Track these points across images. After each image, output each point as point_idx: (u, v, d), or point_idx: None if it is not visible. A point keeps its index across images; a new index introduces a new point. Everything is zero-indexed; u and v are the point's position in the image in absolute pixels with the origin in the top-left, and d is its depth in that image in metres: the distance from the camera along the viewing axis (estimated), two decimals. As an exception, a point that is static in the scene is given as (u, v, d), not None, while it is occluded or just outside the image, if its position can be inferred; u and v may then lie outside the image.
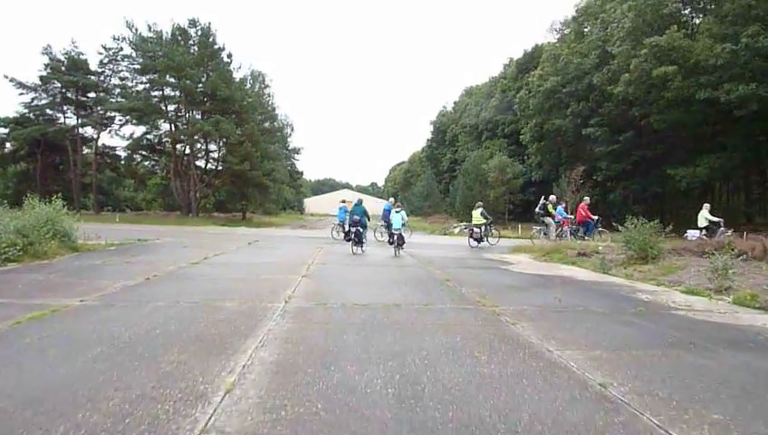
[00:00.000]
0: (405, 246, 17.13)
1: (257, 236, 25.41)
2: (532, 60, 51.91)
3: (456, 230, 34.60)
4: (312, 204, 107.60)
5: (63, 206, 16.56)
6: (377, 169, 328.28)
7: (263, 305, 7.33)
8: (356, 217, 17.09)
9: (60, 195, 17.59)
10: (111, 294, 7.85)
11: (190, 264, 12.64)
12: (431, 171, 69.71)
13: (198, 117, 42.09)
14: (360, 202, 18.58)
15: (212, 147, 45.61)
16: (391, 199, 25.81)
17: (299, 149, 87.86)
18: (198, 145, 44.37)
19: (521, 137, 44.89)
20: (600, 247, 16.86)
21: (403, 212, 17.77)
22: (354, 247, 16.55)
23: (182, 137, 42.17)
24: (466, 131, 67.83)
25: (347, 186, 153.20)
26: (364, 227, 17.26)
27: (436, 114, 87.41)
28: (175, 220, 38.86)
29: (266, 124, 47.98)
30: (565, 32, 43.55)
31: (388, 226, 18.13)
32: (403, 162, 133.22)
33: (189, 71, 38.53)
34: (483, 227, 20.89)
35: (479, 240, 20.63)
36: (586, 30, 40.56)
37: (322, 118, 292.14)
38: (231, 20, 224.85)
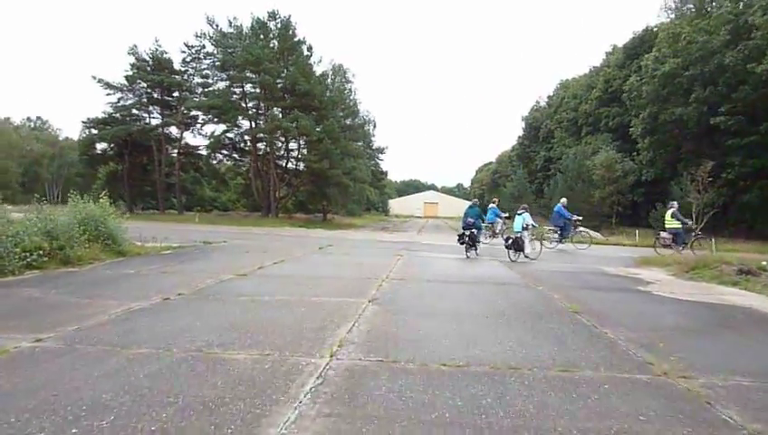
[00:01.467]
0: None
1: (332, 239, 22.99)
2: (642, 44, 46.20)
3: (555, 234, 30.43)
4: (396, 205, 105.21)
5: (137, 205, 14.45)
6: (463, 169, 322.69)
7: (292, 361, 4.73)
8: (470, 220, 16.50)
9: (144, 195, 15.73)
10: (90, 328, 5.78)
11: (237, 275, 10.38)
12: (523, 171, 64.77)
13: (278, 113, 40.38)
14: (474, 204, 18.40)
15: (292, 145, 43.96)
16: (495, 200, 22.81)
17: (383, 149, 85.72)
18: (278, 143, 42.81)
19: (631, 129, 39.29)
20: (765, 263, 12.76)
21: (526, 214, 15.88)
22: (468, 252, 15.85)
23: (261, 135, 40.70)
24: (563, 127, 62.49)
25: (432, 187, 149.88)
26: (479, 229, 17.05)
27: (529, 109, 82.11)
28: (253, 221, 37.38)
29: (348, 121, 45.66)
30: (684, 9, 37.63)
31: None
32: (490, 163, 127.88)
33: (268, 65, 36.86)
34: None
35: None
36: (712, 5, 34.78)
37: (408, 118, 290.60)
38: (317, 18, 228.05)
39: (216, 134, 43.83)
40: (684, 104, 32.66)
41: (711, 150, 31.68)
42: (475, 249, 16.03)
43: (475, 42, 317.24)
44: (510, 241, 15.05)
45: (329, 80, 44.84)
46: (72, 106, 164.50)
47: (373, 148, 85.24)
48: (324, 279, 10.19)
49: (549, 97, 77.77)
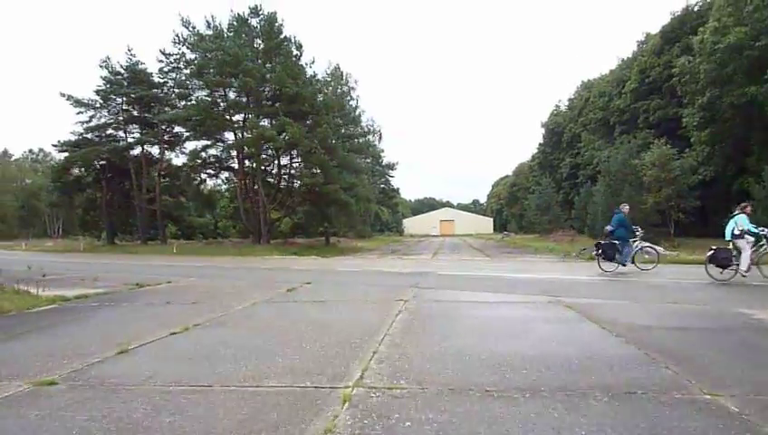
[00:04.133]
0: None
1: (320, 272, 17.12)
2: (682, 25, 40.02)
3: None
4: (411, 225, 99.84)
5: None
6: (478, 185, 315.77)
7: None
8: (608, 228, 15.01)
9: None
10: None
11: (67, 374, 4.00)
12: (549, 179, 58.36)
13: (265, 123, 34.62)
14: (620, 210, 15.56)
15: (285, 160, 38.22)
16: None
17: (393, 165, 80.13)
18: (267, 158, 37.11)
19: (685, 120, 32.67)
20: None
21: (742, 216, 11.96)
22: (602, 265, 14.56)
23: (246, 148, 34.84)
24: (590, 129, 56.17)
25: (447, 204, 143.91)
26: (622, 239, 14.71)
27: (548, 115, 75.85)
28: (239, 250, 31.59)
29: (347, 129, 39.64)
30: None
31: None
32: (507, 176, 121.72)
33: (248, 65, 31.16)
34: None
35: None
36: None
37: (420, 135, 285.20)
38: (323, 31, 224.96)
39: (196, 150, 38.12)
40: (757, 82, 26.13)
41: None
42: (615, 262, 14.37)
43: (484, 54, 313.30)
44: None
45: (323, 81, 38.85)
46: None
47: (383, 164, 79.90)
48: (207, 393, 4.10)
49: (570, 100, 71.67)
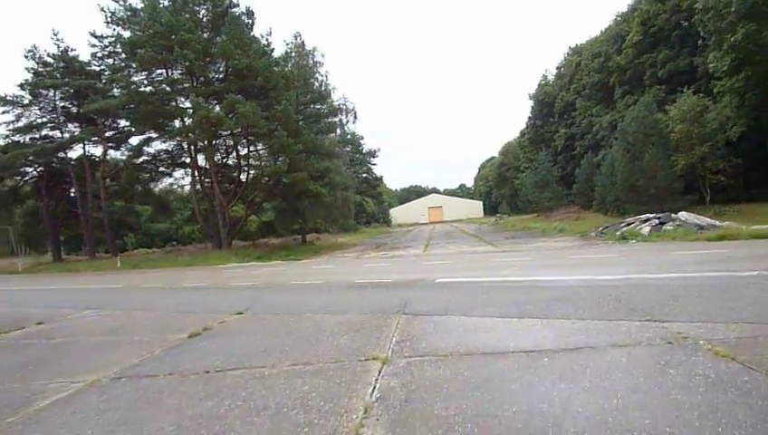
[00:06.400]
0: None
1: (267, 288, 12.19)
2: (689, -37, 35.03)
3: (645, 229, 19.13)
4: (399, 214, 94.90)
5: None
6: (464, 169, 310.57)
7: None
8: None
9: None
10: None
11: None
12: (545, 152, 53.19)
13: (214, 105, 29.12)
14: None
15: (246, 150, 32.67)
16: None
17: (375, 152, 75.00)
18: (221, 146, 31.62)
19: (712, 66, 27.14)
20: None
21: None
22: None
23: (191, 134, 29.21)
24: (586, 94, 51.19)
25: (434, 191, 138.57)
26: None
27: (536, 86, 70.59)
28: (191, 259, 26.39)
29: (314, 108, 33.99)
30: None
31: None
32: (494, 157, 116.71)
33: (185, 35, 25.73)
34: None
35: None
36: None
37: (401, 124, 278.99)
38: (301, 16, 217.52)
39: (138, 145, 32.52)
40: None
41: None
42: None
43: (463, 34, 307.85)
44: None
45: (286, 59, 33.07)
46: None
47: (363, 152, 74.59)
48: None
49: (558, 68, 66.46)
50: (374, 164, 75.78)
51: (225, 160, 32.61)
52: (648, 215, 21.78)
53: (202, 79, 29.64)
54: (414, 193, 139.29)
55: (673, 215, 20.48)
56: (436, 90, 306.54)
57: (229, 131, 29.61)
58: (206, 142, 29.70)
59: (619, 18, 47.28)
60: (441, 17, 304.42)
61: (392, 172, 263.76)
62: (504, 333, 5.52)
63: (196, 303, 10.51)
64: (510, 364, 4.35)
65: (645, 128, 27.46)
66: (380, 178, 79.61)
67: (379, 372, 4.40)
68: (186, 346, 6.17)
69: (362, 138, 73.82)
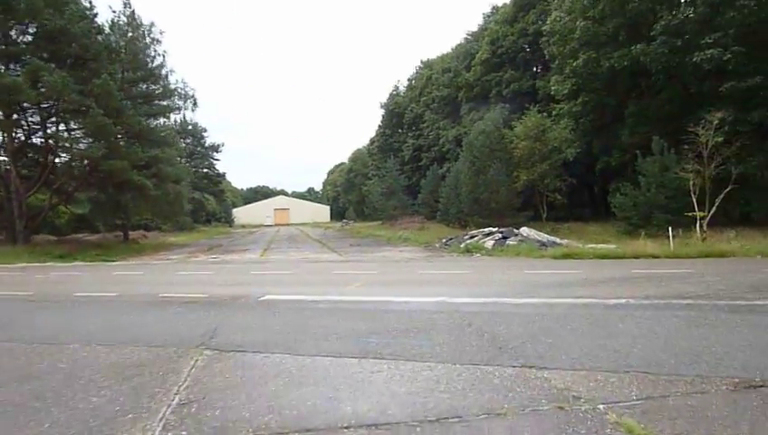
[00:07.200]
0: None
1: (41, 306, 9.18)
2: (538, -9, 36.90)
3: (489, 242, 18.81)
4: (243, 214, 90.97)
5: None
6: (314, 173, 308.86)
7: None
8: None
9: None
10: None
11: None
12: (393, 161, 53.29)
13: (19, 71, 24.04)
14: None
15: (60, 128, 27.60)
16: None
17: (218, 146, 70.31)
18: (23, 121, 26.29)
19: (554, 89, 28.16)
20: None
21: None
22: None
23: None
24: (434, 108, 52.38)
25: (282, 193, 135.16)
26: None
27: (387, 96, 71.33)
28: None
29: (144, 87, 29.80)
30: None
31: None
32: (343, 163, 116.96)
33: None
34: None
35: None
36: None
37: (252, 125, 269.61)
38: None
39: None
40: (643, 40, 22.32)
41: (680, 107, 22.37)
42: None
43: (319, 36, 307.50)
44: None
45: (113, 29, 28.40)
46: None
47: (206, 145, 69.59)
48: None
49: (410, 80, 67.74)
50: (217, 159, 71.12)
51: (28, 140, 27.22)
52: (490, 229, 21.78)
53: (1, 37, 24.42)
54: (261, 193, 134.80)
55: (515, 230, 20.60)
56: (292, 92, 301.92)
57: (36, 105, 24.78)
58: (0, 115, 24.46)
59: (469, 37, 49.08)
60: (301, 21, 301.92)
61: (240, 171, 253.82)
62: (340, 386, 3.82)
63: None
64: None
65: (491, 142, 27.98)
66: (223, 175, 75.00)
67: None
68: None
69: (205, 130, 68.91)
